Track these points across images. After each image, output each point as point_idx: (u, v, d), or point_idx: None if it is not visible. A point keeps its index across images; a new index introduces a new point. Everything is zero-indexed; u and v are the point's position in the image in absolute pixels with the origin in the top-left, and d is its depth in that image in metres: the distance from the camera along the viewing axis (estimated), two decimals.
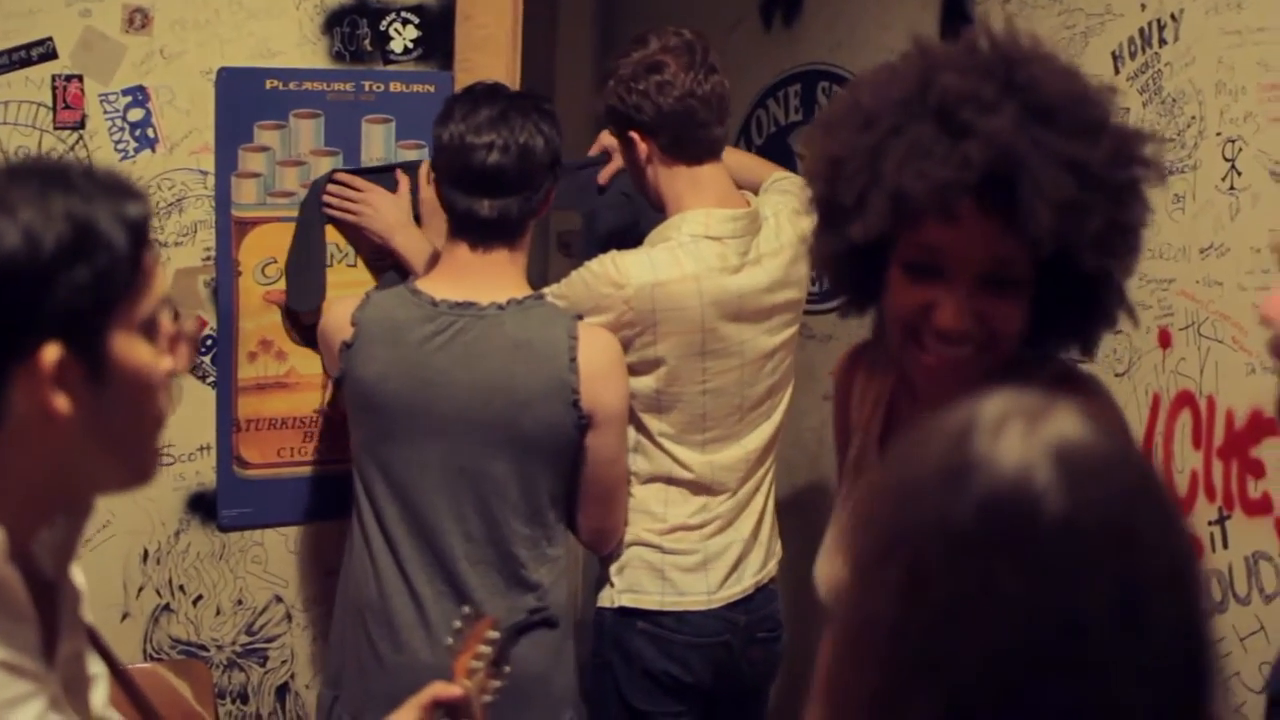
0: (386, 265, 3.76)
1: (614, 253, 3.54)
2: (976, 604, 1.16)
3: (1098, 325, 2.18)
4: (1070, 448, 1.20)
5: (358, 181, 3.77)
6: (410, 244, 3.72)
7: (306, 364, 3.76)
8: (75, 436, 1.75)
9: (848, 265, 2.23)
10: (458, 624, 2.51)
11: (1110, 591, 1.17)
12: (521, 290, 3.43)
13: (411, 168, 3.79)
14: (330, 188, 3.77)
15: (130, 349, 1.74)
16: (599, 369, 3.43)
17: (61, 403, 1.72)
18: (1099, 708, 1.17)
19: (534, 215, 3.42)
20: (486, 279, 3.39)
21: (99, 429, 1.75)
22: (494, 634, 2.49)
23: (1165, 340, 3.41)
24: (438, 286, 3.41)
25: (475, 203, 3.35)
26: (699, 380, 3.58)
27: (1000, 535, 1.17)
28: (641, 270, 3.50)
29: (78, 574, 1.95)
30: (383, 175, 3.78)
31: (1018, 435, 1.20)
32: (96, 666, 2.04)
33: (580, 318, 3.44)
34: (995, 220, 2.04)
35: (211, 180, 3.65)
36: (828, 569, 2.36)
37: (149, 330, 1.77)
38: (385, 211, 3.75)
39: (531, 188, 3.37)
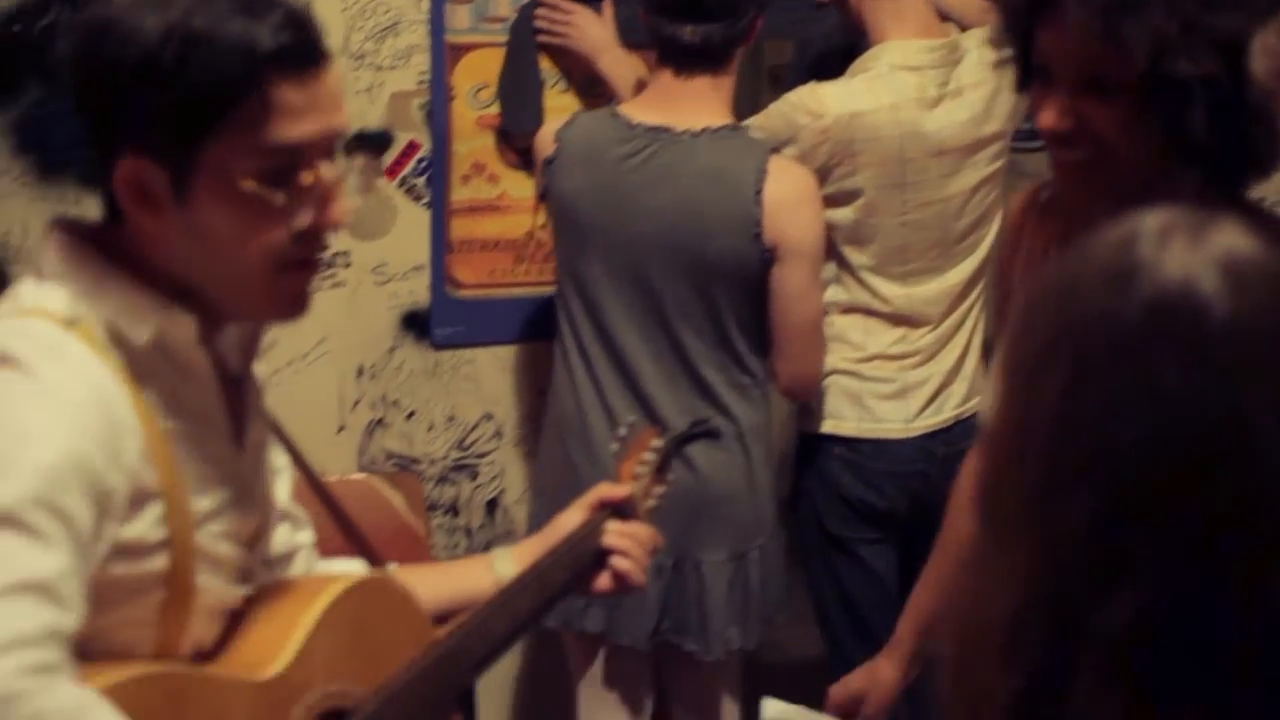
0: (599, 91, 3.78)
1: (814, 83, 3.52)
2: (1140, 398, 1.16)
3: (1231, 150, 2.09)
4: (1237, 257, 1.19)
5: (564, 4, 3.79)
6: (615, 66, 3.74)
7: (518, 187, 3.81)
8: (182, 247, 1.78)
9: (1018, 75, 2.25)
10: (622, 431, 2.57)
11: (1274, 392, 1.16)
12: (722, 119, 3.43)
13: None
14: (538, 11, 3.79)
15: (228, 176, 1.74)
16: (785, 202, 3.38)
17: (142, 208, 1.76)
18: (1258, 503, 1.16)
19: (740, 42, 3.40)
20: (687, 105, 3.40)
21: (199, 249, 1.78)
22: (658, 442, 2.53)
23: None
24: (638, 110, 3.44)
25: (679, 28, 3.35)
26: (899, 212, 3.56)
27: (1166, 333, 1.17)
28: (839, 100, 3.48)
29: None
30: None
31: (1183, 243, 1.19)
32: (280, 460, 2.12)
33: (776, 150, 3.43)
34: (1077, 21, 2.04)
35: (426, 4, 3.70)
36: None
37: (275, 167, 1.75)
38: (591, 32, 3.77)
39: (736, 14, 3.35)
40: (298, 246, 1.79)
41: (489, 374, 3.88)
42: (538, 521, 3.39)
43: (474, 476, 3.89)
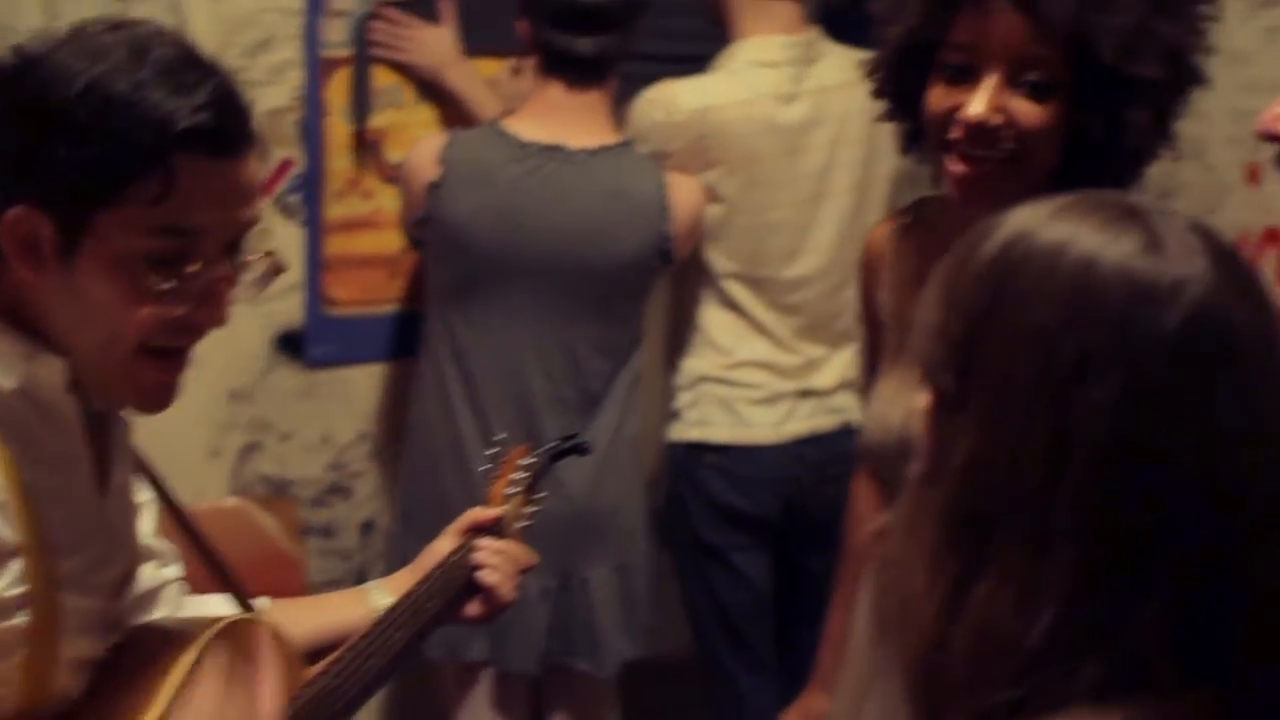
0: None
1: (669, 80, 3.54)
2: (1197, 414, 1.21)
3: (1133, 148, 2.13)
4: (1230, 258, 1.26)
5: (399, 17, 3.69)
6: (464, 80, 3.68)
7: (393, 202, 3.78)
8: (56, 305, 1.74)
9: (894, 73, 2.25)
10: (493, 451, 2.56)
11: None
12: (611, 134, 3.44)
13: None
14: (376, 25, 3.69)
15: (116, 246, 1.69)
16: (692, 213, 3.48)
17: (24, 258, 1.71)
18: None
19: (628, 54, 3.40)
20: (580, 119, 3.39)
21: (71, 311, 1.73)
22: (528, 460, 2.52)
23: (1254, 177, 3.35)
24: (526, 126, 3.41)
25: (573, 40, 3.33)
26: (755, 211, 3.58)
27: (1206, 347, 1.22)
28: (692, 95, 3.51)
29: None
30: (422, 6, 3.71)
31: (1182, 248, 1.24)
32: (144, 494, 2.08)
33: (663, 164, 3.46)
34: (1026, 14, 2.04)
35: (300, 20, 3.65)
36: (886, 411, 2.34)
37: (165, 248, 1.70)
38: (433, 47, 3.70)
39: (630, 24, 3.35)
40: (165, 334, 1.74)
41: (363, 393, 3.85)
42: (401, 547, 3.37)
43: (349, 498, 3.85)
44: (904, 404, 2.27)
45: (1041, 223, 1.27)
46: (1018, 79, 2.08)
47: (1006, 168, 2.11)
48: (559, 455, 2.62)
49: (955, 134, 2.12)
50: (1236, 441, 1.22)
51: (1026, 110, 2.08)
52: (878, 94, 2.32)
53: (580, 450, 2.65)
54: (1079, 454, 1.21)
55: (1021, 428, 1.23)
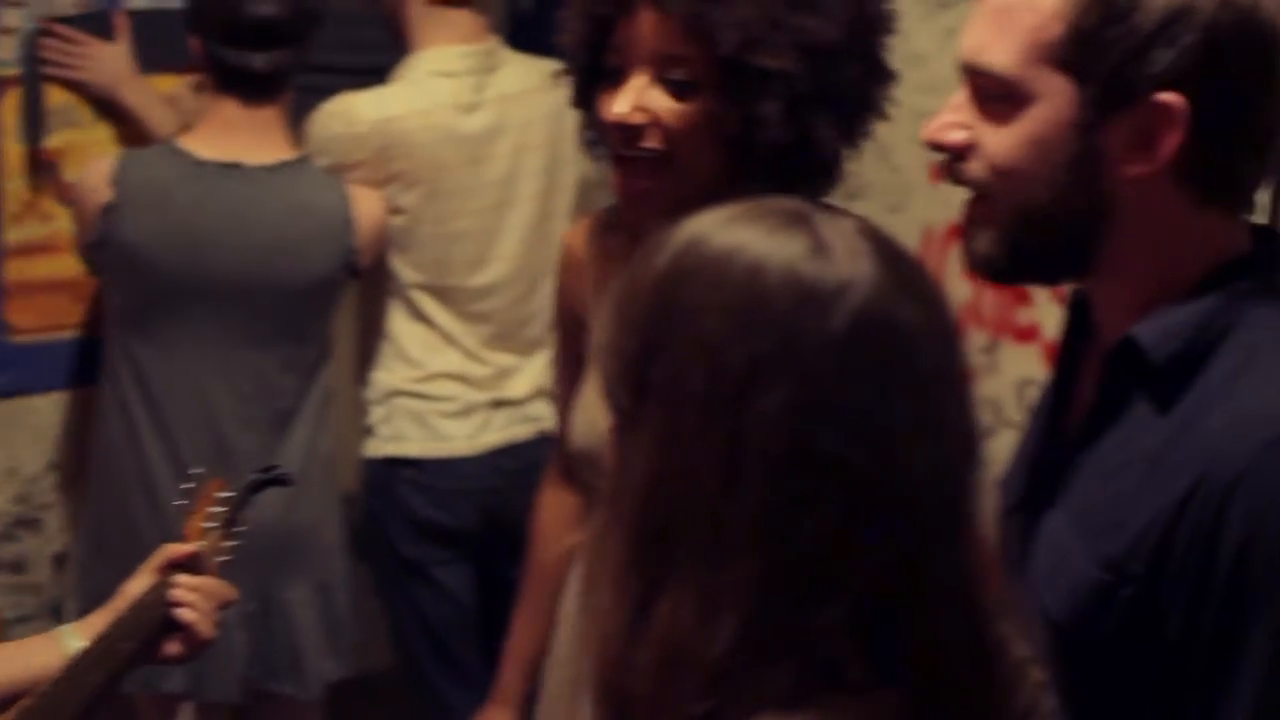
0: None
1: (348, 93, 3.52)
2: (872, 414, 1.22)
3: (772, 142, 2.14)
4: (899, 259, 1.28)
5: (71, 34, 3.57)
6: (140, 98, 3.60)
7: (72, 224, 3.67)
8: None
9: (575, 82, 2.27)
10: (189, 485, 2.49)
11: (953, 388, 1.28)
12: (290, 149, 3.40)
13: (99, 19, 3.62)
14: (46, 43, 3.57)
15: None
16: (375, 227, 3.47)
17: None
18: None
19: (303, 67, 3.36)
20: (256, 137, 3.35)
21: None
22: (226, 494, 2.46)
23: (936, 174, 3.41)
24: (202, 145, 3.35)
25: (248, 57, 3.27)
26: (438, 221, 3.58)
27: (873, 346, 1.22)
28: (372, 107, 3.49)
29: None
30: (95, 22, 3.60)
31: (847, 248, 1.24)
32: None
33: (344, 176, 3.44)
34: (659, 13, 2.09)
35: None
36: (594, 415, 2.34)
37: None
38: (106, 63, 3.60)
39: (304, 39, 3.31)
40: None
41: (51, 421, 3.73)
42: (92, 579, 3.29)
43: (39, 530, 3.73)
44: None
45: (711, 230, 1.27)
46: (662, 77, 2.11)
47: (661, 168, 2.14)
48: (258, 488, 2.57)
49: (612, 136, 2.16)
50: (910, 442, 1.23)
51: (668, 108, 2.11)
52: (571, 104, 2.32)
53: (281, 481, 2.60)
54: (753, 464, 1.21)
55: (696, 441, 1.22)
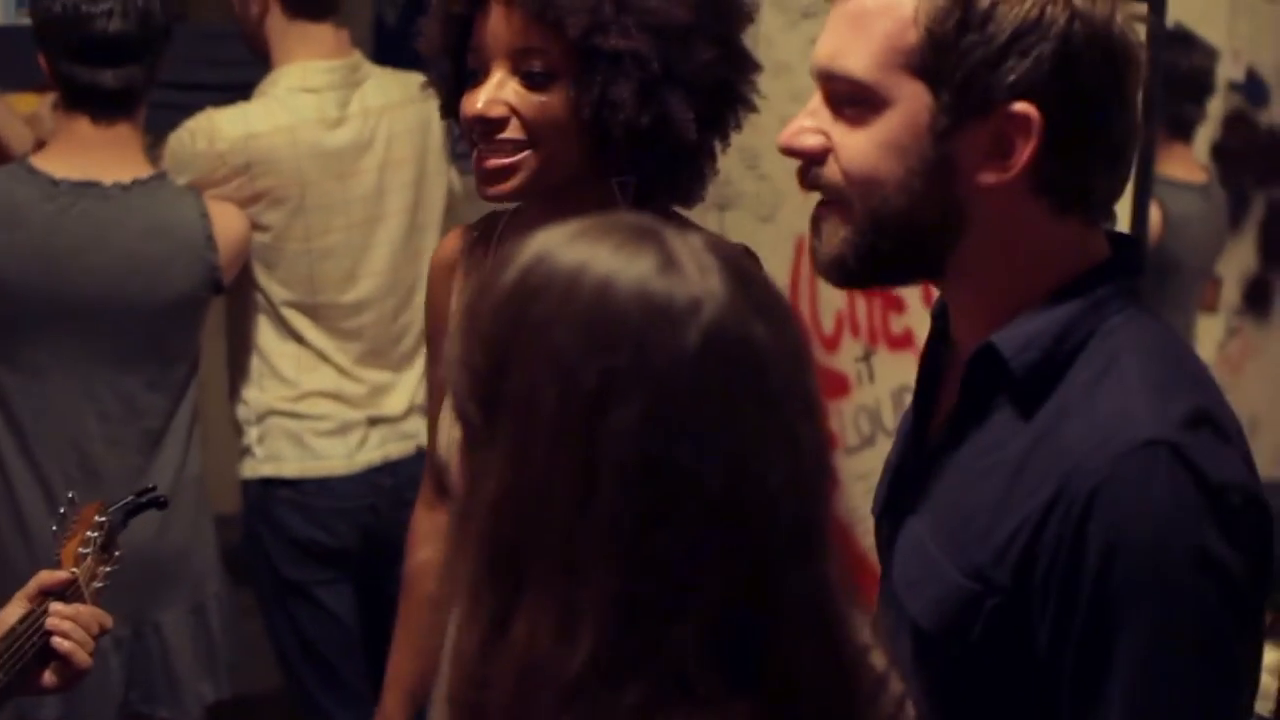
0: None
1: (210, 109, 3.49)
2: (722, 429, 1.22)
3: (655, 155, 2.17)
4: (749, 276, 1.28)
5: None
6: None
7: None
8: None
9: (440, 88, 2.30)
10: (62, 509, 2.44)
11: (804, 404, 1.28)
12: (144, 167, 3.35)
13: None
14: None
15: None
16: (237, 240, 3.44)
17: None
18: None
19: (154, 83, 3.32)
20: (111, 155, 3.30)
21: None
22: (101, 518, 2.42)
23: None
24: (56, 164, 3.29)
25: (98, 74, 3.23)
26: (303, 238, 3.55)
27: (726, 362, 1.23)
28: (234, 124, 3.46)
29: None
30: None
31: (695, 264, 1.25)
32: None
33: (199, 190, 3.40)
34: (509, 7, 2.12)
35: None
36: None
37: None
38: None
39: (154, 53, 3.26)
40: None
41: None
42: None
43: None
44: None
45: (559, 245, 1.26)
46: (519, 71, 2.14)
47: (522, 159, 2.16)
48: (134, 511, 2.52)
49: (473, 133, 2.19)
50: (762, 457, 1.23)
51: (525, 99, 2.14)
52: (440, 114, 2.34)
53: (157, 504, 2.56)
54: (607, 480, 1.20)
55: (548, 457, 1.22)
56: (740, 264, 1.27)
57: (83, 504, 2.46)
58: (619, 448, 1.20)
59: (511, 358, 1.24)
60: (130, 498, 2.53)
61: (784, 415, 1.25)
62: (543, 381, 1.22)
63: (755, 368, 1.24)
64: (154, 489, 2.59)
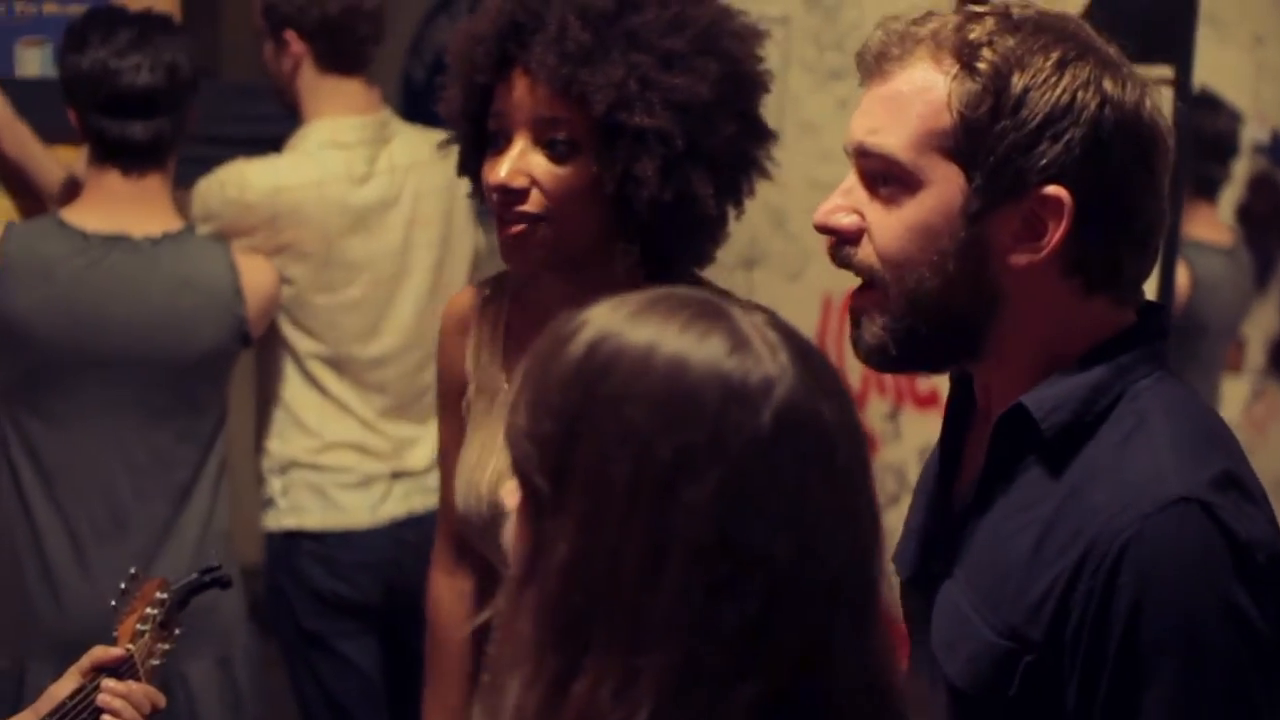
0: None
1: (240, 161, 3.51)
2: (792, 507, 1.24)
3: (652, 200, 2.15)
4: (813, 356, 1.30)
5: None
6: (17, 142, 3.48)
7: None
8: None
9: (461, 150, 2.31)
10: (124, 585, 2.37)
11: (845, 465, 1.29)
12: (174, 220, 3.37)
13: None
14: None
15: None
16: (265, 293, 3.46)
17: None
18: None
19: (183, 136, 3.34)
20: (141, 208, 3.31)
21: None
22: (162, 595, 2.38)
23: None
24: (86, 217, 3.30)
25: (128, 127, 3.25)
26: (329, 291, 3.57)
27: (797, 441, 1.25)
28: (263, 176, 3.49)
29: None
30: None
31: (769, 345, 1.27)
32: None
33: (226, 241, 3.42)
34: (534, 78, 2.14)
35: None
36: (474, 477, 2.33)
37: None
38: None
39: (182, 106, 3.29)
40: None
41: None
42: None
43: None
44: (492, 468, 2.28)
45: (624, 323, 1.28)
46: (541, 141, 2.15)
47: (543, 229, 2.17)
48: (196, 590, 2.47)
49: (493, 200, 2.19)
50: (828, 533, 1.25)
51: (547, 171, 2.15)
52: (458, 171, 2.34)
53: (220, 584, 2.51)
54: (678, 553, 1.22)
55: (620, 529, 1.24)
56: (801, 340, 1.30)
57: (144, 580, 2.40)
58: (691, 523, 1.22)
59: (582, 430, 1.26)
60: (194, 576, 2.47)
61: (848, 491, 1.27)
62: (616, 455, 1.24)
63: (824, 446, 1.26)
64: (219, 568, 2.52)
